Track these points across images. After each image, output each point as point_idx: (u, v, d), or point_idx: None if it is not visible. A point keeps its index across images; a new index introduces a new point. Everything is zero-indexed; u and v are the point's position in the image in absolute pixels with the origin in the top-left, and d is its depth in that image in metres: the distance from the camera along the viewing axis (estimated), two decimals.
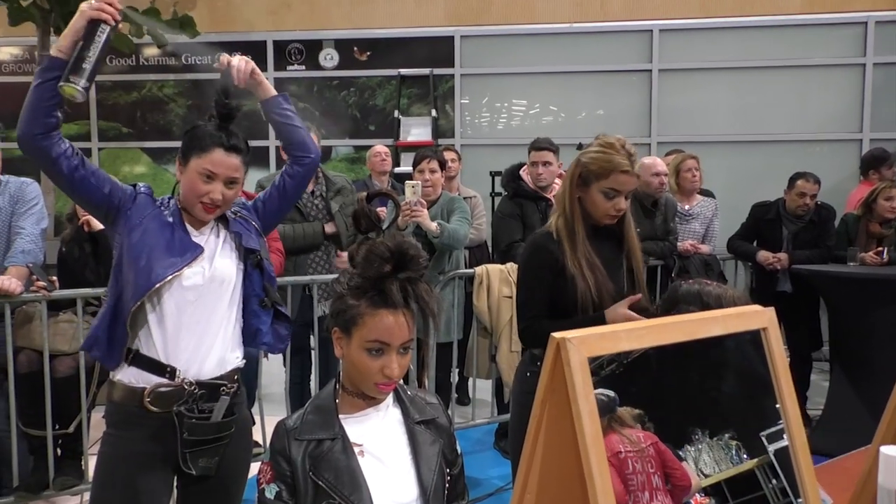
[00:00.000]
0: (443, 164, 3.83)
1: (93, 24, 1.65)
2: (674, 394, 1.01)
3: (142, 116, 6.50)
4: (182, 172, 1.84)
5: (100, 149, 6.51)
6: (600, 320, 1.99)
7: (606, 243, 2.14)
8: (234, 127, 1.85)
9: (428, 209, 3.67)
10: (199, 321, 1.79)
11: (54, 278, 3.09)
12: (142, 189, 1.88)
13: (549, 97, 6.24)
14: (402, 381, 1.43)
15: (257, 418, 3.63)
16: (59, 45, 1.67)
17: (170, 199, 1.90)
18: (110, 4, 1.67)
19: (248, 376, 3.33)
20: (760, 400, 1.07)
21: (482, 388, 3.96)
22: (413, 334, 1.38)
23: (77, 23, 1.67)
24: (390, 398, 1.45)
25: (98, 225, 3.19)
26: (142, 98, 6.50)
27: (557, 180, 3.92)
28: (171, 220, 1.83)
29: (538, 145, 3.85)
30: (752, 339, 1.07)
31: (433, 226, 3.51)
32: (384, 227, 1.46)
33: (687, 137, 5.89)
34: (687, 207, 4.50)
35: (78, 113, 6.48)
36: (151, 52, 6.39)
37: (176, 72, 6.40)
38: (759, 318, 1.06)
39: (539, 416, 0.85)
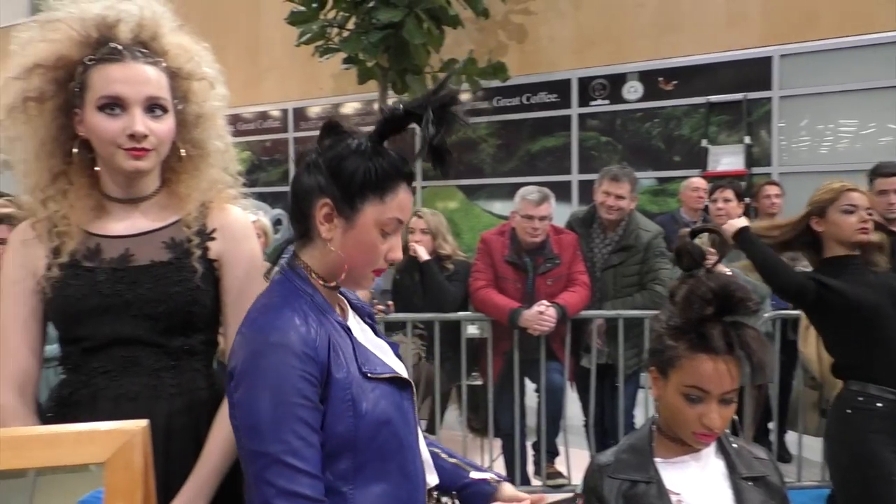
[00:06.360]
0: (739, 194, 3.60)
1: None
2: None
3: (458, 157, 7.13)
4: (331, 228, 1.15)
5: (423, 187, 7.27)
6: None
7: None
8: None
9: None
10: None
11: (391, 303, 3.51)
12: (297, 346, 1.08)
13: (886, 115, 5.41)
14: (726, 430, 1.35)
15: (562, 449, 3.70)
16: None
17: (302, 284, 1.16)
18: None
19: (554, 407, 3.44)
20: None
21: (808, 445, 3.55)
22: (737, 384, 1.29)
23: None
24: (712, 447, 1.36)
25: (424, 255, 3.54)
26: (458, 140, 7.13)
27: None
28: (330, 323, 1.15)
29: (887, 170, 3.27)
30: None
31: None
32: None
33: None
34: None
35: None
36: (464, 97, 6.99)
37: (487, 114, 6.89)
38: None
39: None
